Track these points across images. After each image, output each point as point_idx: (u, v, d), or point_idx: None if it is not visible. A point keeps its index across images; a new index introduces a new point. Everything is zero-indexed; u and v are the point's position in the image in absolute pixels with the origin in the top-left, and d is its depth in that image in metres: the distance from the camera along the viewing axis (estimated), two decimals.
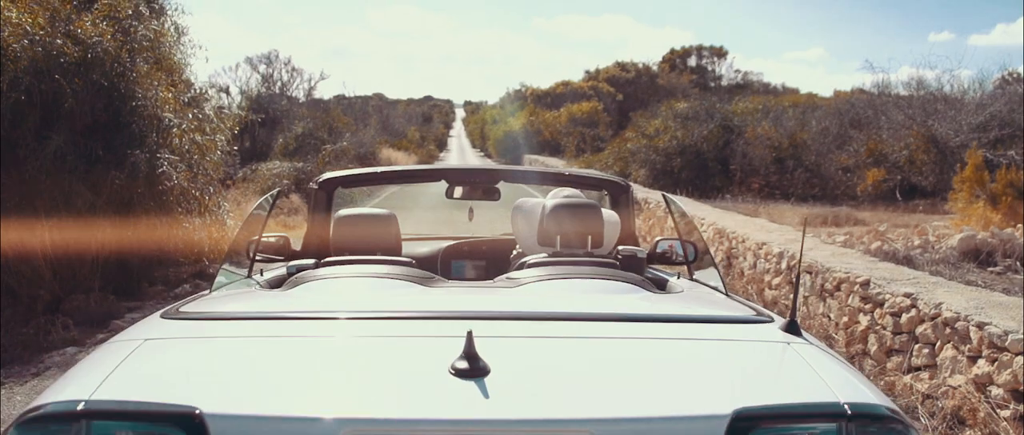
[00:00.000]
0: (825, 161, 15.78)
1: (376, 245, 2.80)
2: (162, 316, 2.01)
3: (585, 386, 1.55)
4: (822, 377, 1.61)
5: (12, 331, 5.84)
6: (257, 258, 2.93)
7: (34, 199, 6.39)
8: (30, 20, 6.43)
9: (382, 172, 3.91)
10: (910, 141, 14.04)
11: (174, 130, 7.48)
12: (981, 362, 3.92)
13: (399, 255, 2.82)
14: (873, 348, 4.87)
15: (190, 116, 8.00)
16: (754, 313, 2.07)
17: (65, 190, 6.54)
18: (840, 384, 1.59)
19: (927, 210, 11.90)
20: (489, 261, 3.62)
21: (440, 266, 3.61)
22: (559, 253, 2.75)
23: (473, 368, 1.48)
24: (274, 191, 3.37)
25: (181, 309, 2.06)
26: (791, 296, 6.16)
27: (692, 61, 54.05)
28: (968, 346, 4.02)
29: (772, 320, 1.98)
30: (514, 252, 3.14)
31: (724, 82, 51.80)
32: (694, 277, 2.92)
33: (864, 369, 4.93)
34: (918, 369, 4.44)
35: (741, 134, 17.15)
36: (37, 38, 6.38)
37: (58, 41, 6.46)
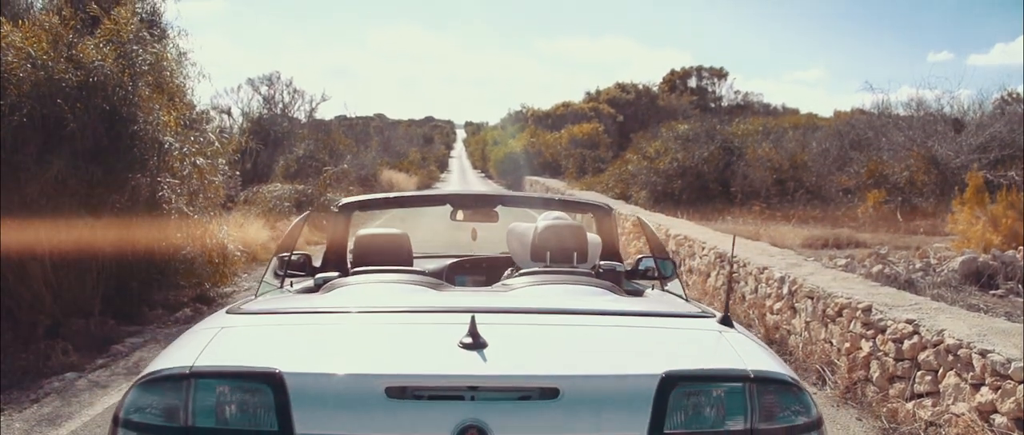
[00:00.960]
0: (826, 182, 15.79)
1: (392, 260, 3.26)
2: (227, 312, 2.45)
3: (557, 356, 2.05)
4: (740, 354, 2.05)
5: (11, 356, 5.81)
6: (283, 272, 3.38)
7: (35, 223, 6.38)
8: (33, 44, 6.45)
9: (395, 197, 4.38)
10: (910, 162, 14.06)
11: (175, 153, 7.48)
12: (984, 390, 3.89)
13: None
14: (875, 375, 4.84)
15: (192, 139, 8.01)
16: (699, 311, 2.52)
17: (66, 214, 6.53)
18: (753, 359, 2.02)
19: (928, 231, 11.86)
20: (488, 276, 3.97)
21: (445, 279, 3.84)
22: (548, 267, 3.16)
23: (475, 342, 1.92)
24: (304, 214, 3.81)
25: (242, 308, 2.51)
26: (793, 322, 6.13)
27: (692, 82, 54.20)
28: (971, 374, 4.00)
29: (713, 316, 2.38)
30: (510, 269, 3.47)
31: (724, 103, 51.93)
32: (666, 289, 3.35)
33: (866, 396, 4.90)
34: (921, 396, 4.41)
35: (742, 155, 17.17)
36: (40, 62, 6.40)
37: (60, 65, 6.49)
